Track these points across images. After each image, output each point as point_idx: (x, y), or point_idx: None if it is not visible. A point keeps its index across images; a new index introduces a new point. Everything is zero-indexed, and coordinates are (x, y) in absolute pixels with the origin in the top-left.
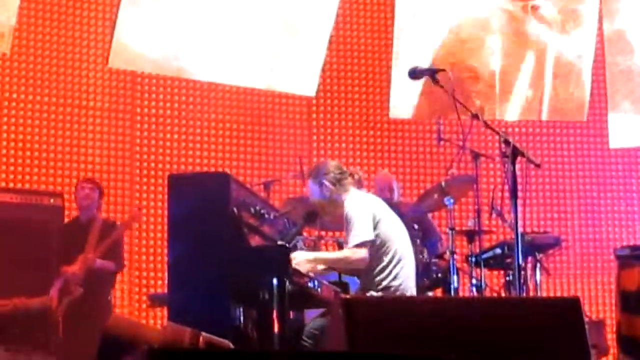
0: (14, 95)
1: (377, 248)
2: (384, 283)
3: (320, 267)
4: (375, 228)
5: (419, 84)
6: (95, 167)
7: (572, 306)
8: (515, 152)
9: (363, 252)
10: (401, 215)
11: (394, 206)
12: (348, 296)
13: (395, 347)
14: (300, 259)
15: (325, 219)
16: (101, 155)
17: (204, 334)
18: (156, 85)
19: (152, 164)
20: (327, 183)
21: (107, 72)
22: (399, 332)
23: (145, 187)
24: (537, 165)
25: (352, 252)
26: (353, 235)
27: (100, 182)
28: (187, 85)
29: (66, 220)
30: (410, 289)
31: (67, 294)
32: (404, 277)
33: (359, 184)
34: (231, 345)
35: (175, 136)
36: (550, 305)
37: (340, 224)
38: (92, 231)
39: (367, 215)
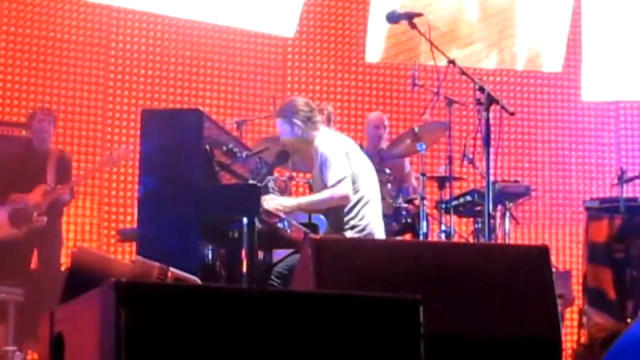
0: None
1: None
2: (352, 222)
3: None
4: None
5: (394, 28)
6: (68, 100)
7: (540, 254)
8: (490, 100)
9: (345, 188)
10: (381, 159)
11: (378, 151)
12: (318, 237)
13: (364, 288)
14: (279, 204)
15: (296, 158)
16: (74, 89)
17: (172, 269)
18: (131, 20)
19: (125, 99)
20: (297, 122)
21: (83, 5)
22: (368, 273)
23: (117, 122)
24: (511, 114)
25: (335, 190)
26: (332, 173)
27: (57, 113)
28: (163, 21)
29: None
30: (378, 230)
31: (27, 222)
32: (371, 217)
33: (328, 121)
34: (199, 282)
35: (150, 72)
36: (519, 252)
37: (312, 164)
38: (50, 162)
39: (341, 152)
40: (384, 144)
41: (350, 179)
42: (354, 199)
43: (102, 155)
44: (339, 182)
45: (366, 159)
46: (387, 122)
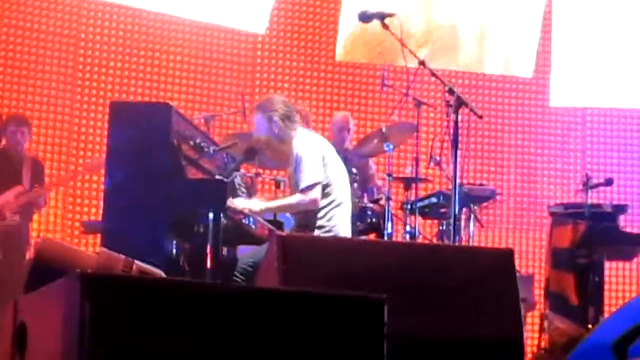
0: None
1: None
2: (319, 222)
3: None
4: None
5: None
6: (37, 91)
7: (505, 257)
8: (459, 102)
9: (315, 194)
10: (346, 159)
11: (343, 151)
12: (284, 234)
13: (328, 286)
14: (247, 208)
15: (268, 154)
16: (42, 79)
17: (137, 262)
18: (102, 12)
19: (94, 91)
20: (276, 119)
21: None
22: (333, 272)
23: (85, 114)
24: (480, 117)
25: (305, 196)
26: (305, 176)
27: (29, 119)
28: (134, 14)
29: None
30: (345, 233)
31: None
32: (339, 219)
33: (305, 121)
34: (164, 276)
35: (119, 64)
36: (484, 255)
37: (280, 162)
38: (25, 167)
39: (317, 156)
40: (349, 144)
41: (321, 185)
42: (325, 201)
43: (68, 148)
44: (309, 187)
45: (340, 162)
46: (352, 123)
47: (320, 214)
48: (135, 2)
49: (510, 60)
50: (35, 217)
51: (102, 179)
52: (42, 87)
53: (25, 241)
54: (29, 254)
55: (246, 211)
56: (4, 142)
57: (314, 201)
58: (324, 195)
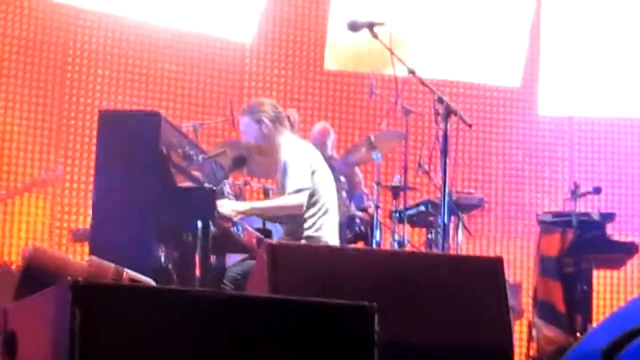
0: None
1: (307, 197)
2: (307, 233)
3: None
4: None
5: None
6: (24, 99)
7: (494, 265)
8: (448, 111)
9: (301, 198)
10: (332, 168)
11: (326, 159)
12: (274, 242)
13: (319, 294)
14: (233, 209)
15: (255, 163)
16: (30, 87)
17: (127, 270)
18: (90, 20)
19: (82, 99)
20: (266, 121)
21: (42, 4)
22: (323, 280)
23: (73, 122)
24: (469, 125)
25: (290, 199)
26: (291, 181)
27: None
28: (122, 22)
29: None
30: (333, 242)
31: None
32: (326, 229)
33: (293, 127)
34: (154, 284)
35: (107, 72)
36: (473, 263)
37: (268, 170)
38: None
39: (305, 163)
40: (334, 153)
41: (308, 191)
42: (313, 210)
43: (56, 157)
44: (296, 191)
45: (328, 170)
46: (332, 132)
47: (307, 224)
48: (122, 11)
49: (497, 70)
50: (22, 225)
51: (90, 187)
52: (29, 95)
53: None
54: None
55: (232, 213)
56: None
57: (299, 206)
58: (312, 203)
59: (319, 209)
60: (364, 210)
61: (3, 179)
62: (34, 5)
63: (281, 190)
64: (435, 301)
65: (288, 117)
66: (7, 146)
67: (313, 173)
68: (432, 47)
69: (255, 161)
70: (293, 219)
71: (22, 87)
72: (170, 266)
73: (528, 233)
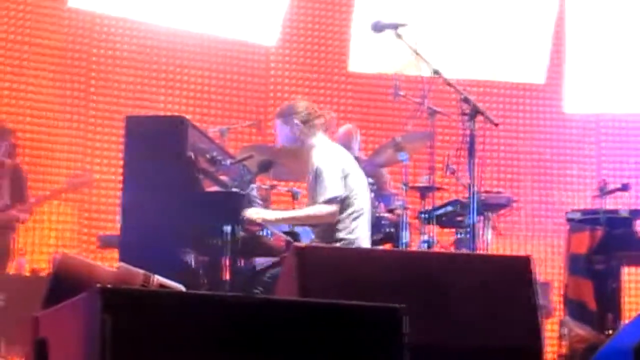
0: None
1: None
2: (340, 235)
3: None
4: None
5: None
6: (49, 107)
7: (523, 264)
8: (475, 110)
9: (334, 207)
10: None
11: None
12: (302, 245)
13: (347, 297)
14: (263, 219)
15: (286, 167)
16: (55, 95)
17: (156, 276)
18: (115, 27)
19: (107, 106)
20: (297, 121)
21: (67, 12)
22: (352, 282)
23: (99, 129)
24: (496, 125)
25: (323, 208)
26: (324, 190)
27: (7, 127)
28: (146, 28)
29: None
30: (365, 244)
31: None
32: (360, 231)
33: (327, 127)
34: (183, 289)
35: (131, 79)
36: (502, 262)
37: (295, 174)
38: (3, 176)
39: (337, 169)
40: (361, 154)
41: (340, 199)
42: (347, 212)
43: (83, 163)
44: (328, 201)
45: (361, 172)
46: (358, 135)
47: (340, 226)
48: (147, 18)
49: (522, 67)
50: (52, 233)
51: (118, 192)
52: (54, 103)
53: (5, 254)
54: (9, 268)
55: (259, 220)
56: None
57: (332, 214)
58: (346, 206)
59: (353, 212)
60: (392, 211)
61: (32, 187)
62: (60, 13)
63: (312, 195)
64: (465, 301)
65: (323, 116)
66: (35, 154)
67: (346, 177)
68: (456, 46)
69: (284, 164)
70: (324, 224)
71: (47, 95)
72: (200, 271)
73: (557, 231)
